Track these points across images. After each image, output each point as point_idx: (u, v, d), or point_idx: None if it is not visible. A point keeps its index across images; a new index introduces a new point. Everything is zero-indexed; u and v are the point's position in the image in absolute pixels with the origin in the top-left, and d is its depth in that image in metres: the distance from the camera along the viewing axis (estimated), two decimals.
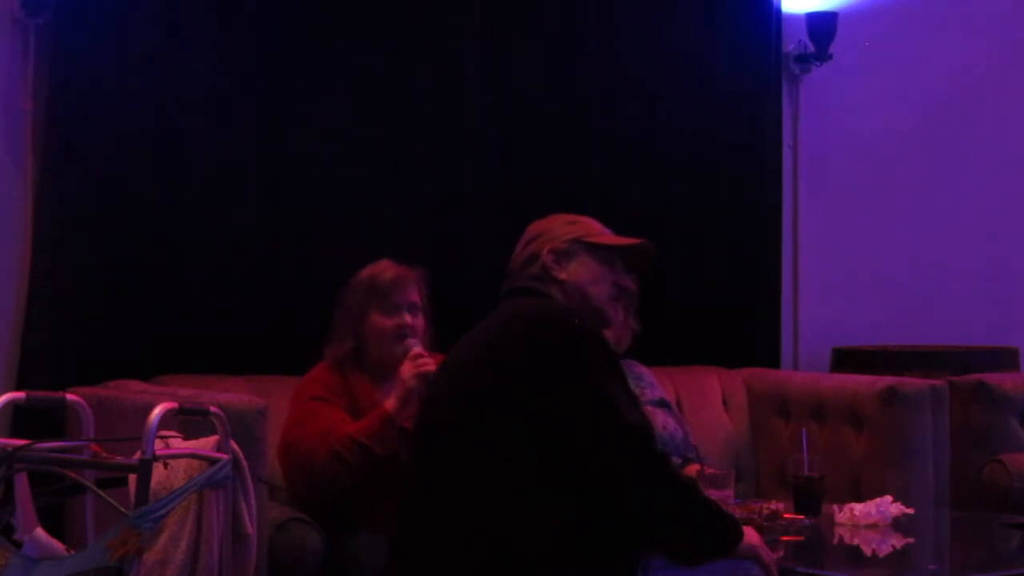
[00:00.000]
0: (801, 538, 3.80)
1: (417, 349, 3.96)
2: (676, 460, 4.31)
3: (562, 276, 3.33)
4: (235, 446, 3.19)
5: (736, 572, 3.16)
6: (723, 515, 3.14)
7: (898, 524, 3.97)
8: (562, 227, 3.40)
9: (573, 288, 3.32)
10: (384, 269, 4.12)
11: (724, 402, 5.18)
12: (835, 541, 3.85)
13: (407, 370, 3.90)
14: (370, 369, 4.09)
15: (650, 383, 4.56)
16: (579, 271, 3.35)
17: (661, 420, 4.41)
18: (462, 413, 3.14)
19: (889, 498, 4.01)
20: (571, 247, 3.36)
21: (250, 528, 3.25)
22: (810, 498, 4.02)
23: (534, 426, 3.06)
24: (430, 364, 3.87)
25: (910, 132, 6.10)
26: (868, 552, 3.79)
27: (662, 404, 4.50)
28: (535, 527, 3.04)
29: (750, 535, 3.15)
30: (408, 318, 4.07)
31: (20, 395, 3.37)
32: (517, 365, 3.09)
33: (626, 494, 3.07)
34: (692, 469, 4.20)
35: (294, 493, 3.99)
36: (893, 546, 3.86)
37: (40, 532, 3.17)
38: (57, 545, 3.17)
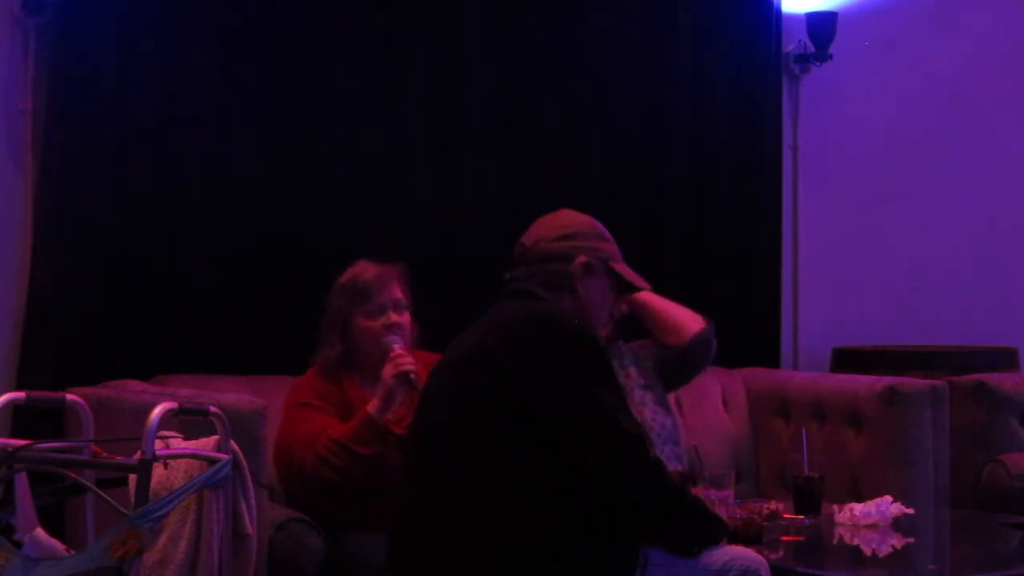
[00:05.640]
0: (801, 538, 3.80)
1: (397, 349, 3.92)
2: (671, 448, 4.28)
3: (580, 290, 3.34)
4: (235, 446, 3.20)
5: (727, 572, 3.19)
6: (710, 515, 3.25)
7: (898, 524, 3.97)
8: (597, 240, 3.42)
9: (583, 305, 3.34)
10: (363, 270, 4.05)
11: (724, 402, 5.17)
12: (835, 541, 3.85)
13: (387, 370, 3.87)
14: (361, 371, 4.07)
15: (632, 360, 4.49)
16: (595, 290, 3.37)
17: (650, 412, 4.36)
18: (456, 414, 3.15)
19: (889, 498, 4.01)
20: (600, 266, 3.38)
21: (250, 528, 3.25)
22: (810, 498, 4.02)
23: (529, 428, 3.06)
24: (410, 363, 3.86)
25: (910, 132, 6.10)
26: (868, 552, 3.79)
27: (649, 388, 4.44)
28: (533, 526, 3.04)
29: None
30: (394, 316, 4.02)
31: (20, 395, 3.37)
32: (511, 368, 3.10)
33: (621, 499, 3.09)
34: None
35: (289, 496, 3.99)
36: (893, 546, 3.86)
37: (40, 532, 3.17)
38: (57, 545, 3.17)
